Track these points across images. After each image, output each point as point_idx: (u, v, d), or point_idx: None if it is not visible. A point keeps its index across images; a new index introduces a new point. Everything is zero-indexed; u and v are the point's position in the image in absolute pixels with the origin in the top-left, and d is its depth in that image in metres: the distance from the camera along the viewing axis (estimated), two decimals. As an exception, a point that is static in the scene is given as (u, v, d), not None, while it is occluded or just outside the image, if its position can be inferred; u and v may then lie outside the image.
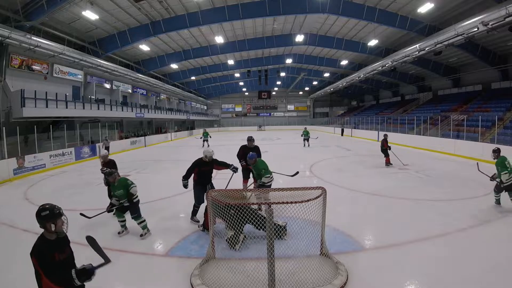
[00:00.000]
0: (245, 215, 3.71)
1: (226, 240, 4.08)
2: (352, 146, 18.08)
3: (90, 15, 13.54)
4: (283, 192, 3.43)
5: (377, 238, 4.49)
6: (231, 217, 3.73)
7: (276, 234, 3.94)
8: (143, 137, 22.03)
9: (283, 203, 3.17)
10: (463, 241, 4.21)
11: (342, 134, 29.16)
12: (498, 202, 5.60)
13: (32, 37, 12.58)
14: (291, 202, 3.12)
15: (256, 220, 3.74)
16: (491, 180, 5.53)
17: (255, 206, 4.25)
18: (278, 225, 4.06)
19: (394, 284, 3.22)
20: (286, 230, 4.24)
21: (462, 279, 3.23)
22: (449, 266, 3.51)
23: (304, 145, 18.54)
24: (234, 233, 3.97)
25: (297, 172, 5.83)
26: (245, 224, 3.81)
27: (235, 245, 3.97)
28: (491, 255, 3.76)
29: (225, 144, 20.93)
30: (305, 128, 20.33)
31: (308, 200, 3.19)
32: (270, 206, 3.12)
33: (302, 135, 19.11)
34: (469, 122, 15.58)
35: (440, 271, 3.39)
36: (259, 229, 3.88)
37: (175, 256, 3.94)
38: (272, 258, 3.00)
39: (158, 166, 12.05)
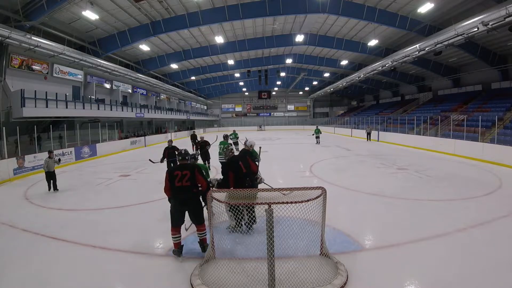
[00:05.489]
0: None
1: (228, 227, 4.40)
2: (352, 146, 18.07)
3: (90, 15, 13.53)
4: (283, 192, 3.42)
5: (377, 238, 4.49)
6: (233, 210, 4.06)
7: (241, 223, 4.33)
8: (143, 137, 22.02)
9: (283, 203, 3.17)
10: (463, 241, 4.21)
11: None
12: None
13: (32, 37, 12.58)
14: (291, 202, 3.12)
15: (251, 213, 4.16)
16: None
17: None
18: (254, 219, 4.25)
19: (394, 284, 3.22)
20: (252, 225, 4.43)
21: (462, 279, 3.23)
22: (449, 266, 3.51)
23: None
24: (236, 223, 4.32)
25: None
26: (243, 212, 4.22)
27: (236, 229, 4.36)
28: (491, 255, 3.76)
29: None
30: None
31: (308, 200, 3.19)
32: (270, 206, 3.11)
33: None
34: (469, 122, 15.56)
35: (440, 271, 3.38)
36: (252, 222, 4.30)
37: (175, 256, 3.93)
38: (272, 258, 3.00)
39: (158, 166, 12.03)
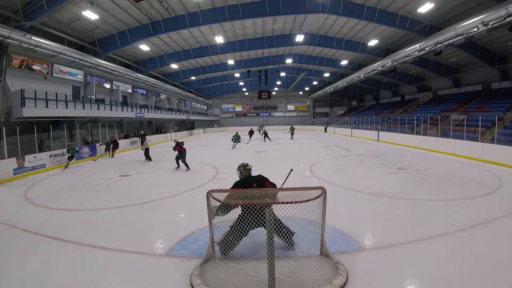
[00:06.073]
0: (256, 216, 3.26)
1: (218, 243, 3.73)
2: (352, 146, 18.08)
3: (90, 15, 13.53)
4: (283, 192, 3.42)
5: (377, 238, 4.49)
6: (239, 218, 3.57)
7: (287, 240, 3.83)
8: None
9: (283, 203, 3.17)
10: (463, 241, 4.21)
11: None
12: None
13: (32, 37, 12.58)
14: (291, 202, 3.12)
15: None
16: None
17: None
18: (290, 230, 3.85)
19: (394, 284, 3.22)
20: (293, 239, 3.92)
21: (462, 279, 3.23)
22: (449, 266, 3.51)
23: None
24: (234, 238, 3.62)
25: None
26: (251, 229, 3.60)
27: (227, 252, 3.68)
28: (491, 255, 3.76)
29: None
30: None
31: (308, 200, 3.19)
32: (270, 206, 3.11)
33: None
34: (469, 122, 15.57)
35: (440, 271, 3.39)
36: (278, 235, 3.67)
37: (175, 256, 3.93)
38: (272, 258, 3.00)
39: (158, 166, 12.05)
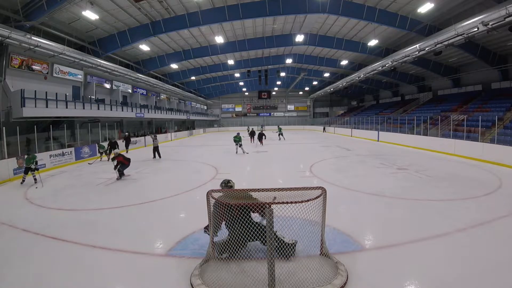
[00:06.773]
0: (251, 230, 3.45)
1: (215, 242, 3.68)
2: (352, 146, 18.08)
3: (90, 15, 13.53)
4: (283, 192, 3.42)
5: (377, 238, 4.49)
6: (235, 229, 3.53)
7: (282, 252, 3.63)
8: (143, 137, 22.04)
9: (283, 203, 3.17)
10: (463, 241, 4.21)
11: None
12: None
13: (32, 37, 12.58)
14: (291, 202, 3.12)
15: (261, 234, 3.54)
16: None
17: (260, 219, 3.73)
18: (285, 242, 3.69)
19: (394, 284, 3.22)
20: (294, 249, 3.76)
21: (462, 279, 3.23)
22: (449, 266, 3.51)
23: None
24: (234, 246, 3.52)
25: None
26: (248, 242, 3.59)
27: (222, 253, 3.66)
28: (491, 255, 3.76)
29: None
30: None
31: (308, 200, 3.19)
32: (270, 206, 3.11)
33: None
34: (469, 122, 15.57)
35: (440, 271, 3.39)
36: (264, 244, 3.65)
37: (175, 256, 3.94)
38: (272, 258, 3.00)
39: (158, 166, 12.05)
